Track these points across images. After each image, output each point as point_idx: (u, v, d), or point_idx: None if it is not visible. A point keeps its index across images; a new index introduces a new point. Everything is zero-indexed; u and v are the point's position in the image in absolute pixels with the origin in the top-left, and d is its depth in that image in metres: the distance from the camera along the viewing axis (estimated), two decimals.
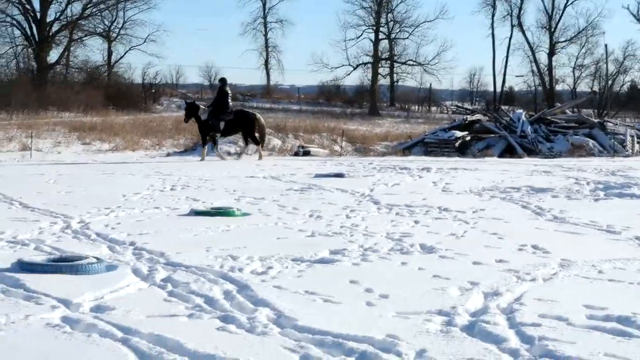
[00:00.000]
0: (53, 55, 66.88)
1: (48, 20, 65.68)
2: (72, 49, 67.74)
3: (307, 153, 29.95)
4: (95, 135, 34.21)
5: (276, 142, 31.90)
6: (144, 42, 70.30)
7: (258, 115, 25.15)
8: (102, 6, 69.23)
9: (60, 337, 5.75)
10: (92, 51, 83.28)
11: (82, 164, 23.02)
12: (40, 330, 5.93)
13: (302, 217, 12.21)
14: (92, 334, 5.79)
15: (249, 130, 24.35)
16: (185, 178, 17.92)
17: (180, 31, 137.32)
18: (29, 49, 65.66)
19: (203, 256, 8.72)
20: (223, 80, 25.51)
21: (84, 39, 69.21)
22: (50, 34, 65.82)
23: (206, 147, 24.89)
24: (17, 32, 65.74)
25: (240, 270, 8.03)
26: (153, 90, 69.42)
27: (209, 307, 6.63)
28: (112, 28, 70.59)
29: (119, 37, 70.92)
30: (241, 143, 26.42)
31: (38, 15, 65.15)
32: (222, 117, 24.05)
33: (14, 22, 65.47)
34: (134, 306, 6.57)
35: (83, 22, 68.34)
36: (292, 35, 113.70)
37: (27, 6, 65.10)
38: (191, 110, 24.74)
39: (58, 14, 66.64)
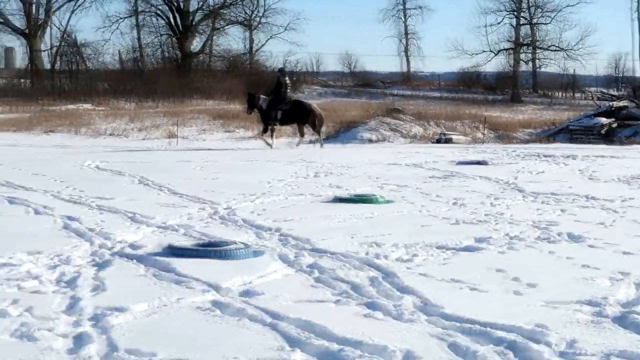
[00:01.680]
0: (196, 45, 68.42)
1: (191, 9, 67.17)
2: (214, 37, 69.10)
3: (448, 140, 29.75)
4: (239, 122, 34.80)
5: (417, 129, 31.81)
6: (284, 30, 71.13)
7: (314, 106, 25.49)
8: None
9: (211, 321, 5.90)
10: (233, 40, 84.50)
11: (226, 149, 23.47)
12: (192, 313, 6.10)
13: (445, 204, 12.15)
14: (242, 318, 5.92)
15: (304, 120, 24.61)
16: (329, 165, 18.08)
17: (319, 19, 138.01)
18: (173, 39, 67.27)
19: (348, 243, 8.79)
20: (281, 71, 26.16)
21: (225, 27, 70.53)
22: (193, 23, 67.28)
23: (270, 134, 24.96)
24: (161, 22, 67.49)
25: (386, 257, 8.06)
26: (294, 78, 70.15)
27: (355, 293, 6.69)
28: (252, 17, 71.64)
29: (259, 25, 71.93)
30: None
31: (181, 5, 66.67)
32: (279, 107, 24.33)
33: (158, 12, 67.24)
34: (282, 291, 6.68)
35: (224, 11, 69.60)
36: (431, 21, 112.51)
37: None
38: (252, 102, 25.04)
39: (200, 3, 68.16)
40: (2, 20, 59.02)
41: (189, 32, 66.45)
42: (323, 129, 25.86)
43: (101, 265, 7.65)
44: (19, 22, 59.78)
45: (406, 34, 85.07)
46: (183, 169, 17.24)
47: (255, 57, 71.86)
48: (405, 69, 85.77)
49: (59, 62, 61.65)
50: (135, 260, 7.87)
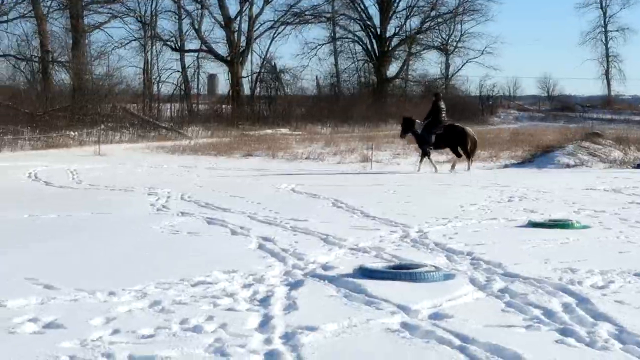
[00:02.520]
0: (392, 69, 68.93)
1: (387, 35, 67.78)
2: (410, 62, 69.42)
3: None
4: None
5: (617, 154, 30.81)
6: (481, 54, 70.68)
7: (468, 129, 25.22)
8: (439, 20, 70.45)
9: (400, 342, 5.90)
10: (429, 64, 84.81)
11: (420, 173, 23.47)
12: (380, 334, 6.12)
13: None
14: (431, 341, 5.89)
15: (457, 143, 24.47)
16: (523, 189, 17.78)
17: (516, 42, 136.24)
18: (370, 64, 68.02)
19: (541, 268, 8.61)
20: (437, 96, 25.89)
21: (421, 52, 70.74)
22: (390, 48, 67.85)
23: (425, 159, 24.71)
24: (358, 48, 68.39)
25: (580, 283, 7.84)
26: (490, 102, 69.50)
27: (547, 319, 6.54)
28: (449, 41, 71.54)
29: (455, 49, 71.77)
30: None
31: (378, 30, 67.37)
32: (434, 131, 24.30)
33: (356, 38, 68.17)
34: (471, 315, 6.61)
35: (421, 36, 69.86)
36: (634, 42, 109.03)
37: (368, 22, 67.58)
38: (407, 126, 24.91)
39: (397, 29, 68.70)
40: (206, 48, 61.27)
41: (386, 58, 67.04)
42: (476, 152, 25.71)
43: (293, 285, 7.79)
44: (222, 50, 61.94)
45: (607, 56, 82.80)
46: (376, 192, 17.35)
47: (451, 81, 71.66)
48: (605, 92, 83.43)
49: (258, 88, 63.42)
50: (326, 281, 7.97)
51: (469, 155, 24.94)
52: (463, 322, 6.37)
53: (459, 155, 24.86)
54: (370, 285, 7.66)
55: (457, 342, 5.83)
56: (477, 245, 10.18)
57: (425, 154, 24.75)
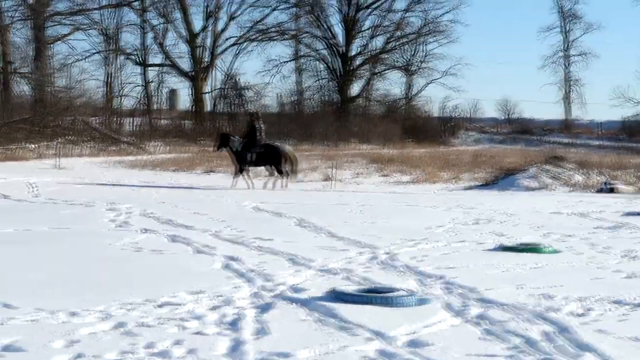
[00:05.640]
0: (355, 89, 68.87)
1: (351, 54, 67.72)
2: (373, 82, 69.39)
3: (612, 190, 28.68)
4: (394, 166, 34.62)
5: (579, 177, 30.83)
6: (444, 75, 70.71)
7: (288, 149, 25.95)
8: (403, 40, 70.52)
9: None
10: (391, 84, 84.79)
11: (383, 193, 23.27)
12: None
13: (615, 256, 11.53)
14: None
15: (277, 162, 24.92)
16: (489, 212, 17.61)
17: (478, 64, 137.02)
18: (333, 83, 67.90)
19: (516, 293, 8.37)
20: (254, 115, 26.90)
21: (384, 72, 70.70)
22: (353, 67, 67.81)
23: (238, 176, 25.02)
24: (321, 66, 68.25)
25: (557, 310, 7.61)
26: (451, 124, 69.67)
27: (529, 348, 6.28)
28: (412, 62, 71.57)
29: (419, 70, 71.79)
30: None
31: (342, 49, 67.31)
32: (252, 150, 24.73)
33: (320, 56, 68.05)
34: (451, 343, 6.34)
35: (385, 56, 69.89)
36: (594, 67, 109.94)
37: (332, 41, 67.48)
38: (223, 141, 25.43)
39: (361, 48, 68.64)
40: (170, 63, 60.85)
41: (349, 77, 66.98)
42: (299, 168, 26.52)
43: (263, 308, 7.48)
44: (185, 65, 61.54)
45: (567, 80, 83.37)
46: (340, 212, 17.09)
47: (413, 101, 71.70)
48: (564, 116, 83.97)
49: (220, 104, 63.04)
50: (297, 304, 7.67)
51: (286, 173, 25.16)
52: (443, 351, 6.10)
53: (280, 173, 25.07)
54: (342, 309, 7.37)
55: None
56: (448, 268, 9.92)
57: (241, 171, 24.97)
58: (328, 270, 9.68)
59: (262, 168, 25.96)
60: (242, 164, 24.90)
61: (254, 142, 24.89)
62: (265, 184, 24.65)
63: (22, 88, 50.75)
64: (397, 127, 58.43)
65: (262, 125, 25.55)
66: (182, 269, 9.59)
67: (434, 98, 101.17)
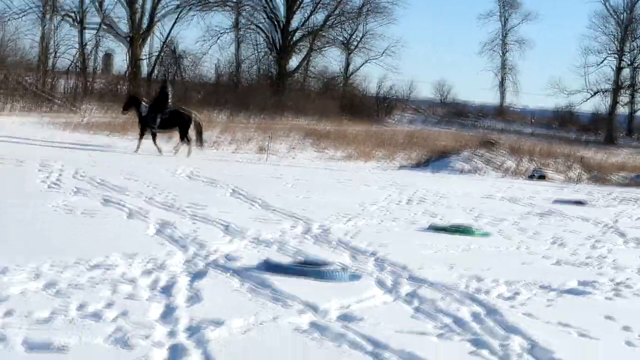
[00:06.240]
0: (293, 63, 68.58)
1: (291, 28, 67.42)
2: (311, 57, 69.19)
3: (542, 177, 29.10)
4: (329, 142, 34.63)
5: (510, 163, 31.17)
6: (382, 55, 70.79)
7: (193, 115, 25.68)
8: (343, 17, 70.37)
9: (310, 344, 5.65)
10: (329, 61, 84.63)
11: (317, 168, 23.30)
12: (290, 334, 5.86)
13: (544, 242, 11.75)
14: (342, 345, 5.66)
15: (183, 128, 24.87)
16: (421, 192, 17.75)
17: (417, 45, 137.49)
18: (271, 56, 67.55)
19: (446, 274, 8.48)
20: (164, 82, 27.39)
21: (323, 48, 70.51)
22: (292, 41, 67.52)
23: (141, 139, 24.90)
24: (260, 39, 67.81)
25: (487, 292, 7.73)
26: (386, 104, 69.92)
27: (458, 328, 6.37)
28: (351, 39, 71.52)
29: (357, 48, 71.77)
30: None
31: (282, 22, 66.98)
32: (159, 115, 24.75)
33: (259, 28, 67.60)
34: (382, 319, 6.39)
35: (324, 32, 69.69)
36: (530, 56, 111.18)
37: (273, 13, 67.09)
38: (132, 102, 25.55)
39: (301, 22, 68.33)
40: (106, 26, 59.94)
41: (288, 50, 66.70)
42: (205, 135, 26.20)
43: (196, 275, 7.47)
44: (123, 28, 60.67)
45: (503, 67, 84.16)
46: (275, 185, 17.07)
47: (350, 79, 71.71)
48: (499, 102, 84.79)
49: (157, 71, 62.33)
50: (230, 273, 7.67)
51: (186, 138, 24.91)
52: (374, 326, 6.15)
53: (182, 139, 25.02)
54: (275, 280, 7.40)
55: (370, 347, 5.61)
56: (381, 246, 10.00)
57: (144, 135, 24.87)
58: (261, 241, 9.70)
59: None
60: (147, 128, 24.85)
61: (161, 108, 24.85)
62: (174, 149, 24.56)
63: None
64: (334, 104, 58.43)
65: (170, 92, 25.54)
66: (115, 232, 9.52)
67: (371, 77, 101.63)
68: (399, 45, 70.53)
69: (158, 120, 24.64)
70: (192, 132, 24.69)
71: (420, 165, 30.45)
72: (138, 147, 24.52)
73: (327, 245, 9.91)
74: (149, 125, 24.71)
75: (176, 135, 25.34)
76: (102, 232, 9.46)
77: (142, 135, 24.87)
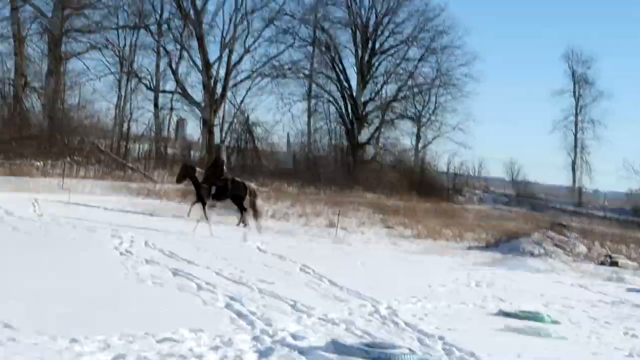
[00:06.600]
0: (364, 135, 68.90)
1: (363, 100, 67.92)
2: (382, 130, 69.51)
3: (614, 264, 28.67)
4: (398, 219, 34.63)
5: (581, 248, 30.79)
6: (453, 129, 70.79)
7: (249, 184, 25.44)
8: (415, 90, 70.72)
9: None
10: (402, 134, 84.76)
11: (385, 245, 23.32)
12: None
13: (616, 332, 11.57)
14: None
15: (238, 198, 24.68)
16: (490, 275, 17.65)
17: (487, 122, 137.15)
18: (343, 127, 68.01)
19: None
20: (219, 147, 26.09)
21: (395, 120, 70.81)
22: (364, 113, 67.97)
23: (194, 206, 24.44)
24: (332, 109, 68.37)
25: None
26: (456, 181, 69.79)
27: None
28: (422, 113, 71.73)
29: (428, 122, 71.91)
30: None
31: (354, 94, 67.54)
32: (215, 183, 24.40)
33: (331, 99, 68.24)
34: None
35: (395, 105, 70.05)
36: (603, 135, 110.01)
37: (345, 84, 67.73)
38: (186, 172, 25.01)
39: (373, 94, 68.81)
40: (181, 91, 61.00)
41: (359, 122, 67.14)
42: (264, 208, 26.32)
43: (263, 353, 7.52)
44: (196, 94, 61.67)
45: (575, 147, 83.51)
46: (343, 261, 17.13)
47: (421, 153, 71.76)
48: (570, 183, 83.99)
49: (229, 138, 63.10)
50: (297, 352, 7.70)
51: (244, 209, 24.79)
52: None
53: (241, 210, 24.90)
54: None
55: None
56: (449, 330, 9.96)
57: (198, 201, 24.86)
58: (328, 320, 9.72)
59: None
60: (202, 197, 25.02)
61: (216, 176, 25.06)
62: (240, 220, 24.66)
63: (32, 103, 50.69)
64: (404, 179, 58.47)
65: (224, 159, 25.64)
66: (183, 305, 9.63)
67: (442, 152, 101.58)
68: (470, 121, 70.36)
69: (213, 188, 24.85)
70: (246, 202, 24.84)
71: (490, 246, 30.22)
72: (189, 212, 24.68)
73: (394, 326, 9.89)
74: (204, 193, 24.93)
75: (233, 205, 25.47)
76: (171, 304, 9.57)
77: (198, 203, 25.13)
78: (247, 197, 24.89)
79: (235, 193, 24.89)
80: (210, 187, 24.62)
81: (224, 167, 25.29)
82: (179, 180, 26.39)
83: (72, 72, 55.27)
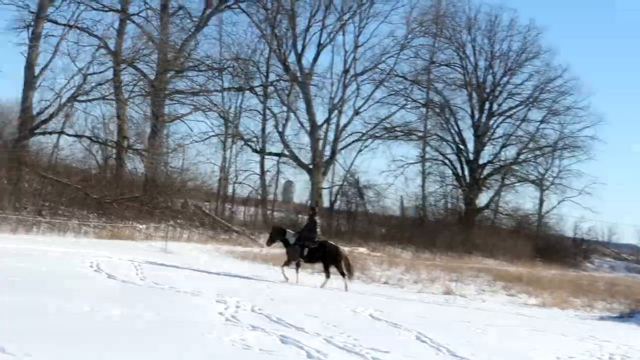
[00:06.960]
0: (482, 199, 68.39)
1: (480, 162, 67.50)
2: (502, 194, 68.84)
3: None
4: (521, 287, 34.03)
5: None
6: (579, 193, 69.66)
7: (341, 248, 25.91)
8: (537, 152, 69.98)
9: None
10: (522, 198, 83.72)
11: (508, 313, 22.88)
12: None
13: None
14: None
15: (330, 261, 24.99)
16: (625, 347, 17.08)
17: (616, 185, 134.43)
18: (459, 190, 67.65)
19: None
20: (313, 209, 27.33)
21: (515, 184, 70.13)
22: (482, 176, 67.51)
23: (295, 269, 25.33)
24: (447, 172, 68.14)
25: None
26: (584, 247, 68.45)
27: None
28: (545, 176, 70.84)
29: (552, 186, 70.96)
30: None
31: (471, 156, 67.19)
32: (307, 244, 24.82)
33: (446, 161, 68.00)
34: None
35: (516, 168, 69.39)
36: None
37: (461, 146, 67.46)
38: (276, 235, 25.89)
39: (491, 157, 68.35)
40: (288, 153, 61.57)
41: (477, 185, 66.66)
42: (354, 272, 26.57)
43: None
44: (304, 156, 62.14)
45: None
46: (463, 330, 16.82)
47: (545, 218, 70.74)
48: None
49: (339, 201, 63.27)
50: None
51: (344, 273, 25.16)
52: None
53: (327, 275, 25.08)
54: None
55: None
56: None
57: (288, 263, 25.28)
58: None
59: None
60: (294, 258, 25.12)
61: (310, 236, 25.06)
62: (323, 285, 24.66)
63: (134, 165, 51.82)
64: (527, 244, 57.68)
65: (318, 221, 25.93)
66: None
67: (568, 217, 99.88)
68: (598, 184, 69.19)
69: (306, 250, 24.97)
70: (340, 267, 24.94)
71: (624, 317, 29.41)
72: (285, 276, 24.86)
73: None
74: (295, 253, 25.09)
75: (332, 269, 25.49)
76: None
77: (288, 263, 25.30)
78: (341, 262, 25.04)
79: (326, 256, 25.02)
80: (302, 248, 24.82)
81: (318, 229, 25.40)
82: (269, 243, 26.97)
83: (175, 133, 56.44)
